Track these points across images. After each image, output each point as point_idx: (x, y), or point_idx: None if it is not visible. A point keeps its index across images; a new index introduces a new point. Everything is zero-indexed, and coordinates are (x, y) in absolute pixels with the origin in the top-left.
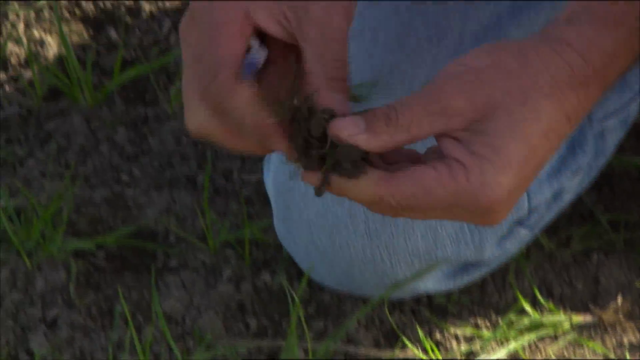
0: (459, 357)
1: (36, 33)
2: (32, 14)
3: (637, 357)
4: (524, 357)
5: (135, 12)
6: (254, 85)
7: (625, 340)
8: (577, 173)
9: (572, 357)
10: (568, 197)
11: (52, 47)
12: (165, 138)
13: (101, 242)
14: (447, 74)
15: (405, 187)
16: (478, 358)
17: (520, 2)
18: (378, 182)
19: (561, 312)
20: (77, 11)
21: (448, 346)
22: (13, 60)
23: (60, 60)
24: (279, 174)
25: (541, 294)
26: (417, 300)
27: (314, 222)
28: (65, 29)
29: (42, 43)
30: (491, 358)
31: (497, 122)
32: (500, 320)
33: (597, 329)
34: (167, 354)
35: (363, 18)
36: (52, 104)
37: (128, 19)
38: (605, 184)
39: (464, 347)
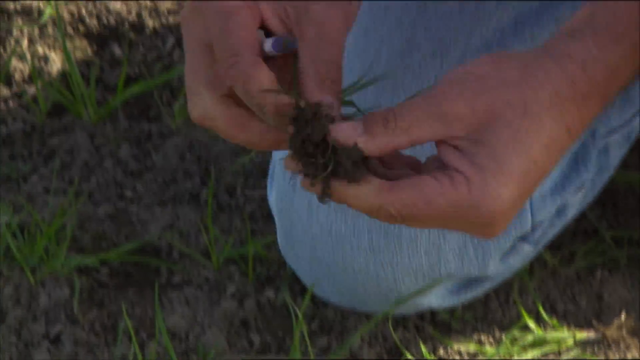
0: None
1: (40, 49)
2: (36, 30)
3: None
4: None
5: (138, 28)
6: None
7: (629, 357)
8: (580, 188)
9: None
10: (571, 213)
11: (55, 63)
12: (168, 154)
13: (105, 258)
14: (449, 80)
15: (406, 196)
16: None
17: (524, 18)
18: (379, 190)
19: (565, 329)
20: (81, 27)
21: None
22: (17, 76)
23: (64, 76)
24: (282, 190)
25: (545, 310)
26: (421, 316)
27: (317, 238)
28: (69, 45)
29: (45, 59)
30: None
31: (498, 133)
32: (503, 337)
33: (600, 345)
34: None
35: (367, 33)
36: (56, 120)
37: (132, 35)
38: (609, 200)
39: None
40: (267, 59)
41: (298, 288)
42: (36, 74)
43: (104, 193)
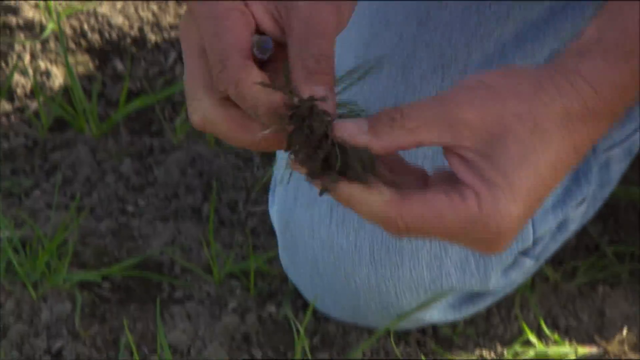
0: None
1: (42, 64)
2: (38, 45)
3: None
4: None
5: (140, 43)
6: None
7: None
8: (581, 203)
9: None
10: (573, 227)
11: (57, 78)
12: (170, 169)
13: (106, 273)
14: (462, 86)
15: (416, 210)
16: None
17: (524, 33)
18: (389, 201)
19: (566, 344)
20: (83, 42)
21: None
22: (19, 91)
23: (65, 91)
24: (283, 205)
25: (546, 325)
26: (423, 331)
27: (318, 253)
28: (71, 60)
29: (47, 74)
30: None
31: (508, 148)
32: (505, 352)
33: None
34: None
35: (367, 48)
36: (58, 135)
37: (133, 50)
38: (611, 215)
39: None
40: (263, 62)
41: (300, 303)
42: (38, 88)
43: (106, 208)
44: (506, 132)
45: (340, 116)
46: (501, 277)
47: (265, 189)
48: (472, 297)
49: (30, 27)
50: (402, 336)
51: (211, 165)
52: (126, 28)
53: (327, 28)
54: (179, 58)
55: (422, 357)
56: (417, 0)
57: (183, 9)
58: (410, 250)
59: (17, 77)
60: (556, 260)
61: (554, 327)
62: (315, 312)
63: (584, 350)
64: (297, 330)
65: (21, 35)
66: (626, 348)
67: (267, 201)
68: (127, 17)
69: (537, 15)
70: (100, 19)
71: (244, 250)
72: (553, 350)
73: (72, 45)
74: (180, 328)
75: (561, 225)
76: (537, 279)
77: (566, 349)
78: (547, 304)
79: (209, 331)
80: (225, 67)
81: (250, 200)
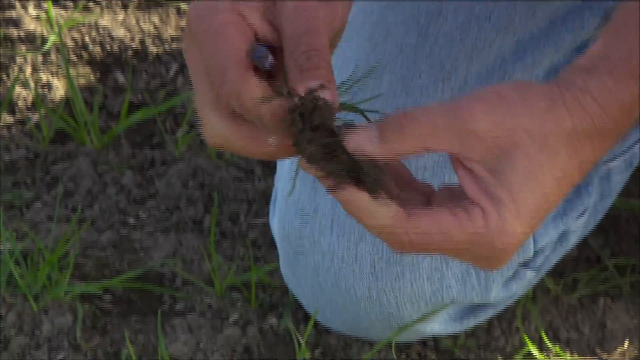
0: None
1: (43, 76)
2: (40, 58)
3: None
4: None
5: (142, 55)
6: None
7: None
8: (582, 214)
9: None
10: (574, 239)
11: (59, 90)
12: (172, 181)
13: (107, 285)
14: (475, 97)
15: (422, 226)
16: None
17: (525, 44)
18: (396, 217)
19: (568, 356)
20: (84, 54)
21: None
22: (20, 103)
23: (67, 103)
24: (284, 217)
25: (548, 337)
26: (424, 343)
27: (319, 265)
28: (72, 72)
29: (49, 86)
30: None
31: (516, 165)
32: None
33: None
34: None
35: (368, 59)
36: (59, 147)
37: (135, 62)
38: (612, 228)
39: None
40: (267, 71)
41: (301, 315)
42: (39, 101)
43: (107, 220)
44: (516, 148)
45: (347, 125)
46: (502, 289)
47: (267, 201)
48: (473, 309)
49: (31, 40)
50: (403, 348)
51: (212, 177)
52: (127, 40)
53: (314, 23)
54: (180, 70)
55: None
56: (416, 12)
57: (184, 22)
58: (411, 262)
59: (18, 90)
60: (557, 272)
61: (555, 339)
62: (316, 325)
63: None
64: (299, 343)
65: (22, 48)
66: None
67: (268, 213)
68: (128, 29)
69: (536, 27)
70: (101, 31)
71: (245, 262)
72: None
73: (73, 58)
74: (181, 340)
75: (562, 237)
76: (538, 291)
77: None
78: (548, 317)
79: (211, 343)
80: (224, 81)
81: (251, 212)
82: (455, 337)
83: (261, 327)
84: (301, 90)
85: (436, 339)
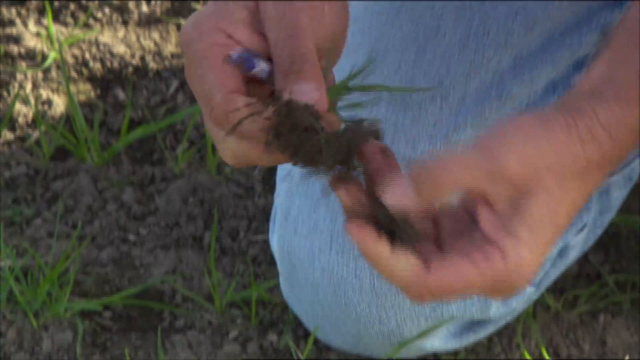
0: None
1: (43, 93)
2: (40, 74)
3: None
4: None
5: (142, 72)
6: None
7: None
8: (582, 230)
9: None
10: (573, 254)
11: (59, 106)
12: (172, 198)
13: (107, 302)
14: (502, 134)
15: (443, 279)
16: None
17: (523, 60)
18: (415, 271)
19: None
20: (85, 71)
21: None
22: (20, 120)
23: (67, 120)
24: (284, 234)
25: (548, 354)
26: None
27: (319, 282)
28: (72, 88)
29: (49, 103)
30: None
31: (538, 202)
32: None
33: None
34: None
35: (367, 76)
36: (59, 164)
37: (135, 78)
38: (612, 244)
39: None
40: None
41: (301, 332)
42: (40, 117)
43: (107, 237)
44: (540, 185)
45: (353, 121)
46: (502, 305)
47: (267, 218)
48: (473, 325)
49: (32, 56)
50: None
51: (212, 193)
52: (128, 57)
53: (297, 29)
54: (181, 87)
55: None
56: (415, 29)
57: None
58: None
59: (18, 106)
60: (557, 289)
61: (556, 355)
62: (316, 341)
63: None
64: None
65: (23, 64)
66: None
67: (268, 230)
68: (128, 45)
69: (534, 44)
70: (101, 47)
71: (245, 279)
72: None
73: (73, 74)
74: (181, 357)
75: (562, 252)
76: (538, 308)
77: None
78: (548, 333)
79: None
80: (212, 108)
81: (251, 229)
82: (455, 353)
83: (261, 344)
84: (284, 94)
85: (436, 355)
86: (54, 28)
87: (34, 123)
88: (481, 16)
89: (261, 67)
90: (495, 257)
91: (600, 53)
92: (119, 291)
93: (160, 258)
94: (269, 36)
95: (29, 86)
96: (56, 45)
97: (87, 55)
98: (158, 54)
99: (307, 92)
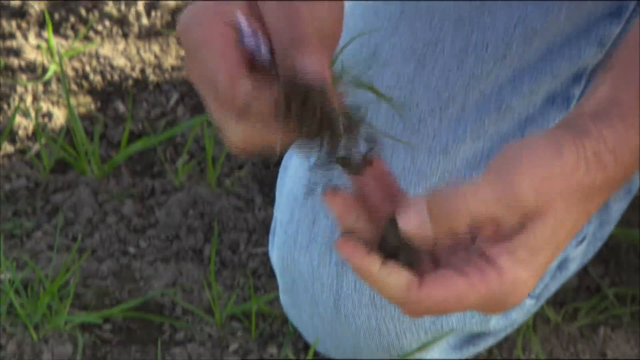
0: None
1: (44, 105)
2: (40, 87)
3: None
4: None
5: (142, 84)
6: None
7: None
8: (581, 242)
9: None
10: (573, 267)
11: (59, 119)
12: (172, 210)
13: (107, 314)
14: (517, 162)
15: (436, 295)
16: None
17: (522, 73)
18: (408, 287)
19: None
20: (85, 84)
21: None
22: (21, 132)
23: (67, 132)
24: (283, 247)
25: None
26: None
27: (318, 294)
28: (72, 101)
29: (49, 115)
30: None
31: (546, 224)
32: None
33: None
34: None
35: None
36: (60, 177)
37: (135, 91)
38: (612, 257)
39: None
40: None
41: (301, 345)
42: (40, 130)
43: (107, 249)
44: (550, 210)
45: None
46: (501, 318)
47: (267, 230)
48: (473, 337)
49: (32, 69)
50: None
51: (212, 206)
52: (128, 69)
53: (295, 12)
54: (181, 99)
55: None
56: (414, 41)
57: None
58: None
59: (18, 119)
60: (557, 301)
61: None
62: (316, 354)
63: None
64: None
65: (23, 77)
66: None
67: (268, 242)
68: (128, 58)
69: (533, 56)
70: (102, 60)
71: (245, 291)
72: None
73: (73, 87)
74: None
75: (562, 265)
76: (538, 321)
77: None
78: (548, 346)
79: None
80: (217, 91)
81: (251, 242)
82: None
83: (261, 357)
84: (286, 70)
85: None
86: (55, 41)
87: (34, 136)
88: (480, 29)
89: (264, 51)
90: (491, 274)
91: (604, 73)
92: (119, 304)
93: (160, 271)
94: (268, 21)
95: (29, 99)
96: (56, 58)
97: (88, 68)
98: (158, 66)
99: (311, 64)
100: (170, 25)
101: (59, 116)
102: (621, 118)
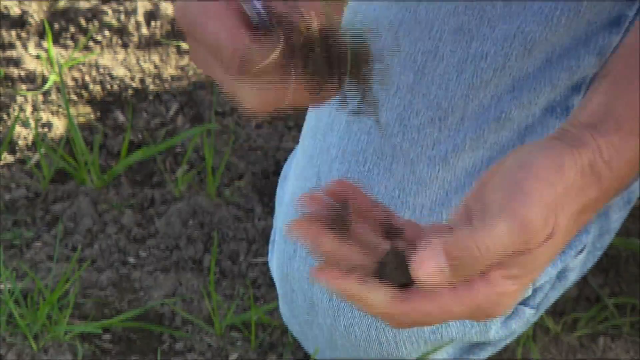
0: None
1: (43, 115)
2: (40, 97)
3: None
4: None
5: (142, 94)
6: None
7: None
8: (581, 252)
9: None
10: (573, 277)
11: (59, 129)
12: (171, 220)
13: (107, 324)
14: (525, 195)
15: (422, 308)
16: None
17: (521, 83)
18: (392, 301)
19: None
20: (84, 94)
21: None
22: (20, 142)
23: (67, 142)
24: (283, 257)
25: None
26: None
27: (318, 304)
28: (72, 111)
29: (49, 125)
30: None
31: (547, 246)
32: None
33: None
34: None
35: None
36: (59, 187)
37: (135, 101)
38: (612, 267)
39: None
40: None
41: (300, 354)
42: (39, 140)
43: (107, 259)
44: (557, 232)
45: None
46: (501, 328)
47: (266, 240)
48: (473, 347)
49: (32, 79)
50: None
51: (212, 216)
52: (127, 79)
53: None
54: (181, 109)
55: None
56: (413, 51)
57: (184, 61)
58: None
59: (18, 129)
60: (557, 311)
61: None
62: None
63: None
64: None
65: (23, 87)
66: None
67: (268, 252)
68: (128, 68)
69: (532, 66)
70: (101, 70)
71: (245, 301)
72: None
73: (73, 97)
74: None
75: (561, 275)
76: (538, 330)
77: None
78: (548, 356)
79: None
80: (221, 55)
81: (251, 252)
82: None
83: None
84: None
85: None
86: (54, 51)
87: (34, 146)
88: (479, 39)
89: (262, 8)
90: (479, 285)
91: (599, 82)
92: (118, 314)
93: (160, 281)
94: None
95: (29, 109)
96: (56, 68)
97: (87, 78)
98: (158, 76)
99: (313, 5)
100: (170, 35)
101: (59, 126)
102: (616, 130)
